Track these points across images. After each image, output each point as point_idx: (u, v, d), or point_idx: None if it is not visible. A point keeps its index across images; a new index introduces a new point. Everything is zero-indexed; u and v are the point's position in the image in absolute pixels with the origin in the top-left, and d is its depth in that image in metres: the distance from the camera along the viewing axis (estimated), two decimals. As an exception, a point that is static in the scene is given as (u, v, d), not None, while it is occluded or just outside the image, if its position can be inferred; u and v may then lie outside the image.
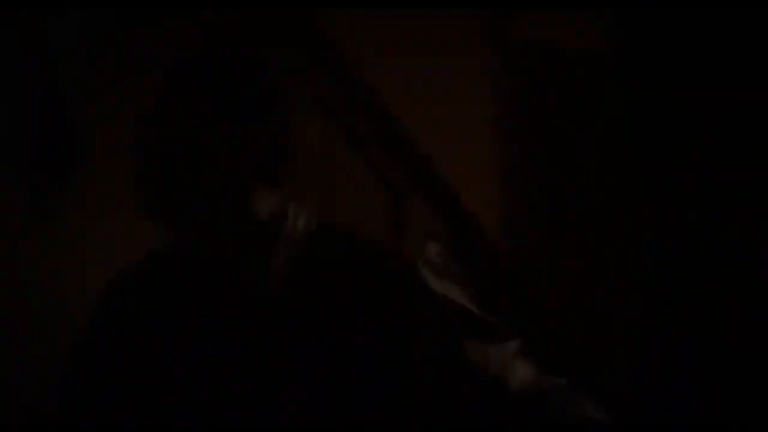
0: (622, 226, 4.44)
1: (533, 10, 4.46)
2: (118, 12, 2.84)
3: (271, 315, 1.71)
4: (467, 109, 4.49)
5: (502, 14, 4.47)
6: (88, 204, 2.72)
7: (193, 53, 1.77)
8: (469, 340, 1.74)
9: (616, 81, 4.29)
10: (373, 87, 3.69)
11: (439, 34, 4.35)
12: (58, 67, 2.79)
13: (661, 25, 3.74)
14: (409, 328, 1.72)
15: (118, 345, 1.77)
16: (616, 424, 1.70)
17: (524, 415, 1.71)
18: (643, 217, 4.02)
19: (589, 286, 4.47)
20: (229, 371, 1.69)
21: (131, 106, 1.89)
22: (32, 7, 2.72)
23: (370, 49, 3.90)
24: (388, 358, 1.71)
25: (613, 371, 3.96)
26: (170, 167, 1.72)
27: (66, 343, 1.87)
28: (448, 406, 1.70)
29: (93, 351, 1.80)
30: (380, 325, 1.71)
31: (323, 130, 3.58)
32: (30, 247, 2.66)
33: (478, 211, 4.08)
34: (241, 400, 1.68)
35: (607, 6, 3.94)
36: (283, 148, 1.78)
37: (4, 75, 2.76)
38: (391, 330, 1.72)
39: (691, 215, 3.71)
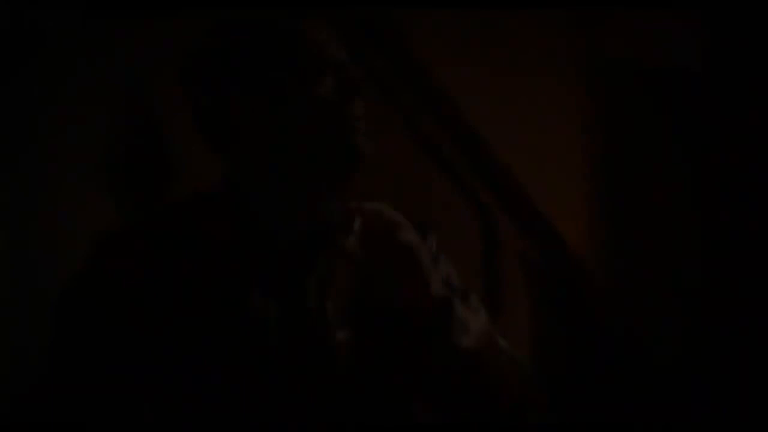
0: (713, 250, 4.39)
1: (621, 23, 4.43)
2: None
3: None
4: (554, 128, 4.48)
5: (589, 32, 4.46)
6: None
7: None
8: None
9: (707, 98, 4.24)
10: (459, 105, 3.71)
11: (526, 53, 4.35)
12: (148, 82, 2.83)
13: (754, 40, 3.70)
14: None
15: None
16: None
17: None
18: (731, 238, 3.98)
19: (671, 308, 4.43)
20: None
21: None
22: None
23: (455, 69, 3.92)
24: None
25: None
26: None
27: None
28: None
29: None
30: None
31: (414, 153, 3.60)
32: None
33: (566, 231, 4.07)
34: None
35: (697, 21, 3.91)
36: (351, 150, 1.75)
37: (98, 92, 2.80)
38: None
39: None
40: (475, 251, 3.73)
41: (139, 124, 2.91)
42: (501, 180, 3.80)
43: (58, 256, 2.57)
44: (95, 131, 2.75)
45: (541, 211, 3.93)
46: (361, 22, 3.39)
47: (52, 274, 2.37)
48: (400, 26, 3.55)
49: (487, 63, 4.21)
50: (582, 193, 4.56)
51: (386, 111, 3.54)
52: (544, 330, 3.88)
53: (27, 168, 2.64)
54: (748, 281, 4.16)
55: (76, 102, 2.74)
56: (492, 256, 3.74)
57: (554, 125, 4.44)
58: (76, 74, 2.71)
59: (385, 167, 3.49)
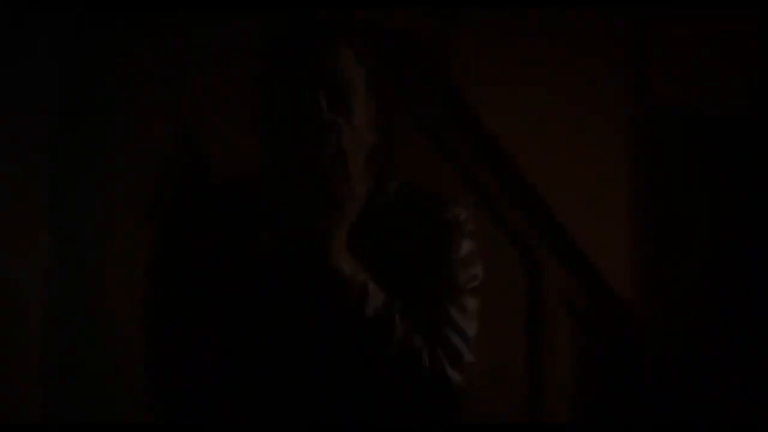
0: (760, 294, 4.39)
1: (669, 69, 4.45)
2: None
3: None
4: (602, 174, 4.50)
5: (637, 78, 4.49)
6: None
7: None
8: None
9: (756, 145, 4.25)
10: (509, 152, 3.73)
11: (575, 99, 4.39)
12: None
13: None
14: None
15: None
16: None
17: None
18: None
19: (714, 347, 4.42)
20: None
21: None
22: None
23: (503, 115, 3.96)
24: None
25: None
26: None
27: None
28: None
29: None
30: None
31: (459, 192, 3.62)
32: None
33: (611, 276, 4.08)
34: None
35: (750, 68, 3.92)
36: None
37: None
38: None
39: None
40: (520, 293, 3.75)
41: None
42: (547, 223, 3.82)
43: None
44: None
45: (585, 253, 3.95)
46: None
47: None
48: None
49: (535, 111, 4.26)
50: (627, 237, 4.57)
51: (431, 152, 3.59)
52: (588, 370, 3.89)
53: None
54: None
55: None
56: (537, 298, 3.76)
57: (601, 170, 4.47)
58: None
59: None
